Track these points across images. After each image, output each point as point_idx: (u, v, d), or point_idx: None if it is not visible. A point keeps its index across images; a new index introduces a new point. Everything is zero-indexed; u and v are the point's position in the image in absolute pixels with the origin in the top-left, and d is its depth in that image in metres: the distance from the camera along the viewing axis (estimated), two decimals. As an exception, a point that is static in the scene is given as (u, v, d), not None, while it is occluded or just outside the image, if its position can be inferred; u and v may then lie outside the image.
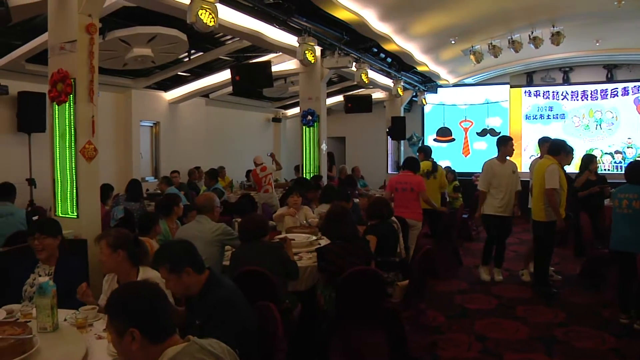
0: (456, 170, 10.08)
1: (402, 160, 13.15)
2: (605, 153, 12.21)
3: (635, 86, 12.08)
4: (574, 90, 12.62)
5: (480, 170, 6.72)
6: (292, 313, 3.82)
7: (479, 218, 6.60)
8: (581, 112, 12.56)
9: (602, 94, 12.37)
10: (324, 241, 4.81)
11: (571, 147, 6.22)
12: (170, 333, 1.84)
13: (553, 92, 12.83)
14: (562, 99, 12.73)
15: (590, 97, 12.48)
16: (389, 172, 13.66)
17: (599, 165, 11.87)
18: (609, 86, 12.30)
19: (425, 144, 13.87)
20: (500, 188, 6.35)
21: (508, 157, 6.52)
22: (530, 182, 6.63)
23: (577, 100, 12.60)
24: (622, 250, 4.74)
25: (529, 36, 8.46)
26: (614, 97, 12.27)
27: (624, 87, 12.17)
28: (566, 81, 12.67)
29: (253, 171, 9.63)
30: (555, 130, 12.54)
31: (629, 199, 4.76)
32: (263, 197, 9.11)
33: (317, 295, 4.14)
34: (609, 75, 12.31)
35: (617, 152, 12.15)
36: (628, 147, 12.05)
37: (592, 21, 8.61)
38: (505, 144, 6.50)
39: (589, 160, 7.26)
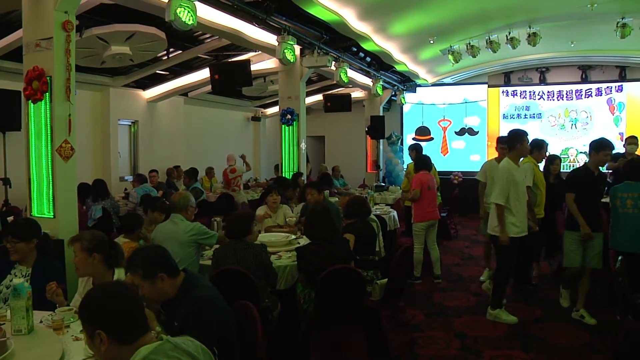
0: (435, 169, 10.12)
1: (380, 159, 13.27)
2: (580, 152, 12.43)
3: (607, 87, 12.33)
4: (550, 90, 12.82)
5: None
6: (271, 313, 3.82)
7: (507, 241, 4.87)
8: (557, 112, 12.77)
9: (577, 94, 12.59)
10: (303, 240, 4.82)
11: (540, 142, 5.86)
12: (140, 333, 1.84)
13: (530, 92, 13.01)
14: (539, 99, 12.93)
15: (566, 97, 12.69)
16: (369, 171, 13.72)
17: (575, 164, 12.17)
18: (584, 87, 12.54)
19: (404, 143, 13.97)
20: (519, 199, 4.96)
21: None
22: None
23: (553, 100, 12.80)
24: (628, 251, 4.48)
25: (507, 37, 8.56)
26: (588, 97, 12.50)
27: (598, 88, 12.41)
28: (542, 81, 12.86)
29: (224, 170, 9.90)
30: (532, 130, 12.71)
31: (634, 198, 4.61)
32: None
33: (296, 294, 4.14)
34: (584, 76, 12.53)
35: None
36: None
37: (567, 23, 8.74)
38: (521, 141, 5.00)
39: (549, 161, 6.37)
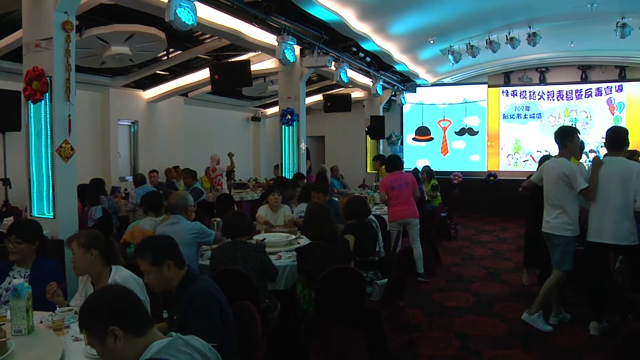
0: (435, 170, 10.14)
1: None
2: (580, 152, 12.42)
3: (607, 87, 12.33)
4: (550, 90, 12.82)
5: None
6: (271, 313, 3.81)
7: None
8: (557, 112, 12.77)
9: (576, 94, 12.59)
10: (303, 240, 4.82)
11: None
12: (149, 324, 1.88)
13: (530, 92, 13.01)
14: (539, 99, 12.93)
15: (566, 97, 12.69)
16: (368, 171, 13.71)
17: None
18: (584, 86, 12.54)
19: (404, 143, 13.97)
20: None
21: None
22: None
23: (553, 100, 12.80)
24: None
25: (506, 37, 8.57)
26: (588, 97, 12.51)
27: (598, 88, 12.41)
28: (542, 81, 12.86)
29: (207, 171, 10.10)
30: (532, 130, 12.77)
31: None
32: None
33: (296, 295, 4.14)
34: (584, 76, 12.53)
35: (591, 150, 12.36)
36: (601, 146, 12.26)
37: (566, 23, 8.74)
38: None
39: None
